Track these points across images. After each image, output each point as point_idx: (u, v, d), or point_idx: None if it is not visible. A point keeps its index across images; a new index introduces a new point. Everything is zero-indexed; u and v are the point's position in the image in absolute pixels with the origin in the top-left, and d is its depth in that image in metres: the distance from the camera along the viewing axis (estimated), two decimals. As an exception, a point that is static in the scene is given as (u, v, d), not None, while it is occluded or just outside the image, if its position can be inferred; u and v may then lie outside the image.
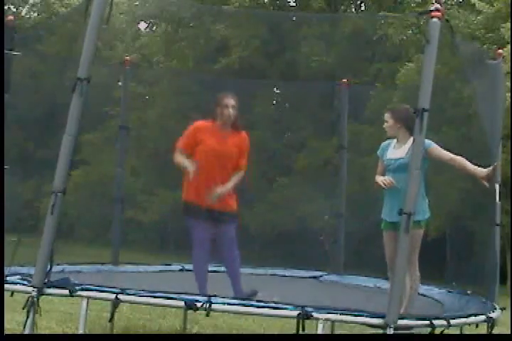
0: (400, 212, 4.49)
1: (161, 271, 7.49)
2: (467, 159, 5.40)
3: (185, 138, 5.66)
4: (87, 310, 4.63)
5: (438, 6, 4.60)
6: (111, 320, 5.95)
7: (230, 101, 5.63)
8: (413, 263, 5.33)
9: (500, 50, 6.73)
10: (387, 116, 5.58)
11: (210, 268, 7.44)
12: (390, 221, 5.42)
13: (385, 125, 5.60)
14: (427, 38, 4.63)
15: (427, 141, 5.14)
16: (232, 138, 5.67)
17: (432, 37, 4.61)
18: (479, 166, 5.32)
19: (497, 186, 6.24)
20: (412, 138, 5.30)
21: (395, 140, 5.59)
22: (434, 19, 4.61)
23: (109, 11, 4.88)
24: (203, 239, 5.59)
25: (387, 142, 5.66)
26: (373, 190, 5.69)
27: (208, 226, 5.59)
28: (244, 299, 4.68)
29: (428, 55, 4.61)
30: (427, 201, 5.47)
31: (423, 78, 4.57)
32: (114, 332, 6.40)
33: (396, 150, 5.51)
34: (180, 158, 5.58)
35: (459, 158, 5.35)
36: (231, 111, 5.61)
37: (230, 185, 5.60)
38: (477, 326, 5.16)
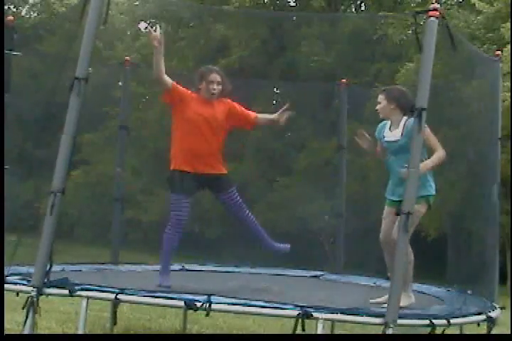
0: (399, 212, 4.49)
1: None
2: (467, 159, 5.40)
3: (178, 86, 5.56)
4: (86, 310, 4.63)
5: (436, 5, 4.60)
6: (114, 322, 5.98)
7: (216, 77, 5.58)
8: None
9: (498, 51, 6.76)
10: (380, 97, 5.53)
11: (209, 269, 7.46)
12: (390, 198, 5.48)
13: (378, 106, 5.55)
14: (420, 44, 4.65)
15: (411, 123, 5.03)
16: (218, 106, 5.62)
17: (429, 36, 4.61)
18: (479, 166, 5.32)
19: (495, 186, 6.25)
20: (404, 118, 5.37)
21: (389, 121, 5.57)
22: (432, 18, 4.61)
23: (107, 11, 4.88)
24: (183, 218, 5.54)
25: (382, 123, 5.63)
26: (373, 190, 5.69)
27: (191, 199, 5.53)
28: (244, 299, 4.67)
29: (426, 55, 4.62)
30: (431, 179, 5.42)
31: (421, 77, 4.58)
32: (114, 332, 6.41)
33: (392, 132, 5.48)
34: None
35: (437, 154, 5.22)
36: (216, 87, 5.56)
37: None
38: (478, 325, 5.17)
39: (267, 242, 5.73)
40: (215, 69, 5.68)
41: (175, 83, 5.56)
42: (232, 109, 5.70)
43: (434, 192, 5.43)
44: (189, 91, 5.61)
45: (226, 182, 5.68)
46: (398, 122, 5.45)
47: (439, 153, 5.24)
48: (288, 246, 5.62)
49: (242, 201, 5.68)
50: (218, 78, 5.58)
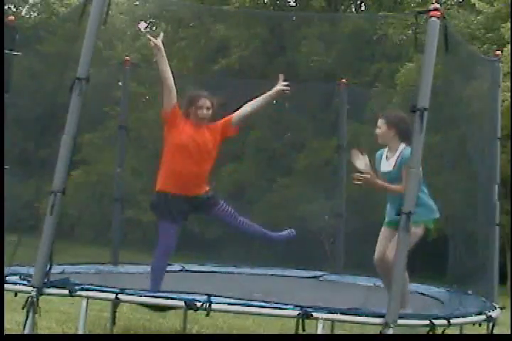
0: (399, 212, 4.50)
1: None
2: (467, 159, 5.41)
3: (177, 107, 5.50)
4: (86, 310, 4.63)
5: (437, 5, 4.61)
6: (114, 322, 5.98)
7: (205, 102, 5.50)
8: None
9: (498, 52, 6.76)
10: (381, 121, 5.47)
11: (209, 269, 7.46)
12: (386, 220, 5.51)
13: (378, 131, 5.49)
14: (418, 44, 4.67)
15: (406, 152, 5.15)
16: (209, 132, 5.54)
17: (431, 36, 4.62)
18: (479, 166, 5.33)
19: (495, 186, 6.25)
20: (402, 145, 5.33)
21: (386, 148, 5.52)
22: (433, 18, 4.62)
23: (107, 11, 4.89)
24: (171, 247, 5.47)
25: (380, 152, 5.58)
26: (373, 190, 5.70)
27: (179, 224, 5.48)
28: (244, 299, 4.67)
29: (427, 54, 4.62)
30: (431, 202, 5.42)
31: (422, 77, 4.58)
32: (114, 332, 6.41)
33: (387, 162, 5.45)
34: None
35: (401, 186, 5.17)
36: (205, 112, 5.48)
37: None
38: (480, 325, 5.17)
39: (270, 236, 5.64)
40: (203, 94, 5.56)
41: (176, 104, 5.49)
42: (222, 129, 5.60)
43: (436, 216, 5.43)
44: (181, 115, 5.52)
45: (214, 199, 5.60)
46: (395, 149, 5.41)
47: (402, 187, 5.13)
48: (292, 230, 5.54)
49: (233, 210, 5.62)
50: (208, 103, 5.49)
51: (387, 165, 5.44)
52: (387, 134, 5.43)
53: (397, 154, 5.37)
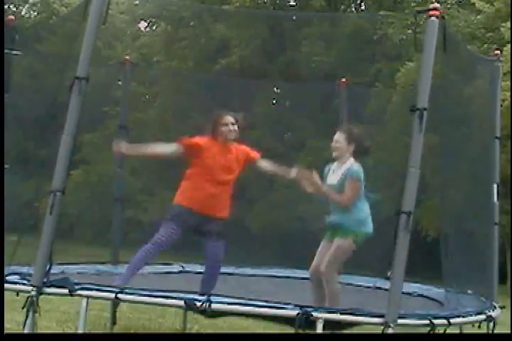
0: (399, 212, 4.49)
1: (160, 271, 7.48)
2: (466, 159, 5.42)
3: (188, 141, 5.64)
4: (86, 310, 4.63)
5: (437, 5, 4.61)
6: (114, 321, 5.97)
7: (229, 118, 5.64)
8: (331, 271, 5.41)
9: (497, 51, 6.76)
10: (340, 136, 5.56)
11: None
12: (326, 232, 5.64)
13: (335, 145, 5.57)
14: (417, 43, 4.67)
15: (355, 169, 5.41)
16: (235, 152, 5.71)
17: (430, 35, 4.61)
18: (479, 165, 5.33)
19: (495, 186, 6.25)
20: (351, 159, 5.51)
21: (335, 163, 5.62)
22: (433, 18, 4.62)
23: (106, 10, 4.88)
24: (168, 243, 5.56)
25: (327, 167, 5.70)
26: (373, 190, 5.70)
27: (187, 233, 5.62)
28: (244, 299, 4.67)
29: (426, 54, 4.62)
30: (368, 216, 5.55)
31: (421, 77, 4.58)
32: (114, 331, 6.41)
33: (333, 175, 5.57)
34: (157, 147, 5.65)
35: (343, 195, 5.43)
36: (232, 128, 5.62)
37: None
38: (479, 326, 5.17)
39: (205, 287, 5.68)
40: (224, 112, 5.71)
41: (182, 141, 5.59)
42: (246, 157, 5.78)
43: (369, 230, 5.54)
44: (205, 139, 5.64)
45: (222, 230, 5.73)
46: (344, 163, 5.53)
47: (344, 197, 5.41)
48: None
49: (222, 256, 5.78)
50: (231, 119, 5.64)
51: (332, 178, 5.56)
52: (345, 149, 5.54)
53: (345, 168, 5.50)
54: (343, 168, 5.50)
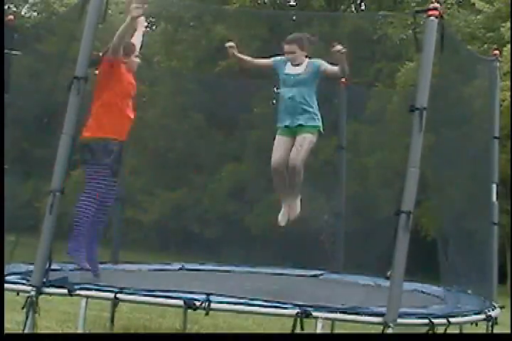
0: (399, 212, 4.49)
1: (160, 270, 7.48)
2: (466, 159, 5.42)
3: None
4: (86, 310, 4.63)
5: (437, 4, 4.60)
6: (113, 321, 5.97)
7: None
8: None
9: (495, 51, 6.76)
10: (291, 47, 5.95)
11: (208, 267, 7.42)
12: (282, 126, 5.88)
13: (292, 56, 5.91)
14: (418, 43, 4.67)
15: (315, 62, 5.81)
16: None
17: (429, 35, 4.62)
18: (478, 165, 5.34)
19: (494, 186, 6.25)
20: (307, 60, 5.91)
21: (288, 62, 5.95)
22: (432, 18, 4.62)
23: (105, 9, 4.89)
24: (103, 195, 5.66)
25: (278, 59, 6.05)
26: (373, 190, 5.70)
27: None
28: (243, 298, 4.67)
29: (426, 54, 4.62)
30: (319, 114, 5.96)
31: (421, 77, 4.58)
32: (114, 331, 6.41)
33: (294, 67, 5.88)
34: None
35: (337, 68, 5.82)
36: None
37: None
38: (477, 325, 5.17)
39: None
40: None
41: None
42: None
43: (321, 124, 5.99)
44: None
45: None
46: (302, 62, 5.89)
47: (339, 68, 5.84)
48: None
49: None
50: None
51: (294, 70, 5.86)
52: (301, 55, 5.92)
53: (305, 64, 5.86)
54: (303, 64, 5.87)
